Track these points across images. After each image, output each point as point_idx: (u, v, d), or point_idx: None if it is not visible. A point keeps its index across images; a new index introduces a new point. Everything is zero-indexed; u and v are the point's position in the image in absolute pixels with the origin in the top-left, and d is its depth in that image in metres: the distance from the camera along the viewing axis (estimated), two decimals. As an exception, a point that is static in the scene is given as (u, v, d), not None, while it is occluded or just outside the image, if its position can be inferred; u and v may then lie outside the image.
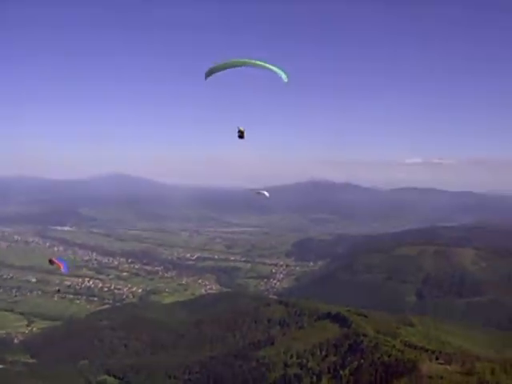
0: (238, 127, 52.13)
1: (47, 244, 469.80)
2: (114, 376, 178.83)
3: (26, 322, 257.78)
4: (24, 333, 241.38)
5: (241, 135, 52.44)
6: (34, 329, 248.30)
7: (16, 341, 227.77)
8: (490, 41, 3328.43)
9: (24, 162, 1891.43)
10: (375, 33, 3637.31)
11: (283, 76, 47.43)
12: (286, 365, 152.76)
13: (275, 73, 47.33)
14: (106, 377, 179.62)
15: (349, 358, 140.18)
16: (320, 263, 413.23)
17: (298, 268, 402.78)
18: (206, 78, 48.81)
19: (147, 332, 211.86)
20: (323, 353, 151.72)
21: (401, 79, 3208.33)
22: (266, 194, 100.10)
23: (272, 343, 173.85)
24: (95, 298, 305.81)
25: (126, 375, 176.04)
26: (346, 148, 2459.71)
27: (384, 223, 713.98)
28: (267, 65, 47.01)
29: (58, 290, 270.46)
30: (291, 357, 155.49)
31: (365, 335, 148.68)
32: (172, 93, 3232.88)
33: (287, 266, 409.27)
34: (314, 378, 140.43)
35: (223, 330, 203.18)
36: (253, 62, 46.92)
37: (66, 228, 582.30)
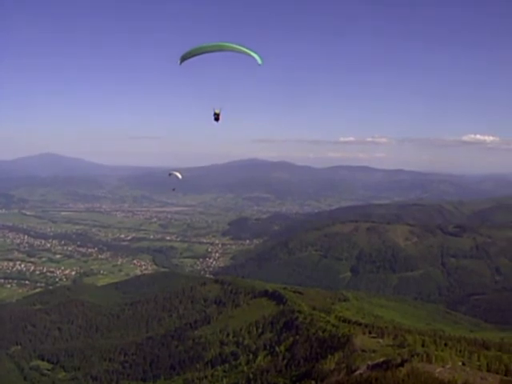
0: (214, 109, 51.52)
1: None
2: (48, 361, 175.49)
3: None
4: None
5: (216, 118, 51.93)
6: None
7: None
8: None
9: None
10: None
11: (257, 58, 47.41)
12: (222, 343, 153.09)
13: (250, 55, 47.33)
14: (38, 362, 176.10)
15: (284, 335, 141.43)
16: (256, 242, 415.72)
17: (234, 247, 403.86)
18: (180, 62, 48.10)
19: (81, 315, 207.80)
20: (259, 330, 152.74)
21: (335, 58, 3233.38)
22: (179, 175, 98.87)
23: (208, 322, 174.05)
24: (27, 282, 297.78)
25: (59, 359, 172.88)
26: (280, 127, 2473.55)
27: (318, 201, 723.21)
28: (242, 48, 47.05)
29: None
30: (227, 335, 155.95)
31: (300, 312, 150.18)
32: (106, 68, 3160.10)
33: (223, 244, 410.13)
34: (251, 355, 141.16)
35: (159, 310, 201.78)
36: (227, 45, 46.83)
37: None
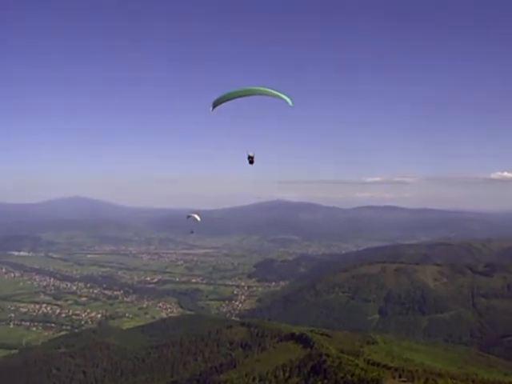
0: (248, 153, 52.14)
1: (3, 270, 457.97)
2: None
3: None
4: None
5: (251, 161, 52.38)
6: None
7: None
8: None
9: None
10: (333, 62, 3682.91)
11: (288, 100, 47.99)
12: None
13: (281, 98, 48.03)
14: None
15: (312, 379, 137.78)
16: (282, 284, 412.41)
17: (260, 289, 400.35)
18: (212, 109, 48.67)
19: (106, 358, 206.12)
20: (286, 374, 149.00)
21: (359, 97, 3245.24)
22: (197, 217, 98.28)
23: (234, 366, 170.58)
24: (52, 325, 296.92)
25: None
26: (305, 168, 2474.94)
27: (345, 242, 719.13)
28: (273, 91, 47.81)
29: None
30: (253, 379, 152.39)
31: (328, 355, 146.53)
32: (130, 116, 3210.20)
33: (249, 287, 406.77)
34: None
35: (184, 353, 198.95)
36: (258, 89, 47.56)
37: (23, 253, 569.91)
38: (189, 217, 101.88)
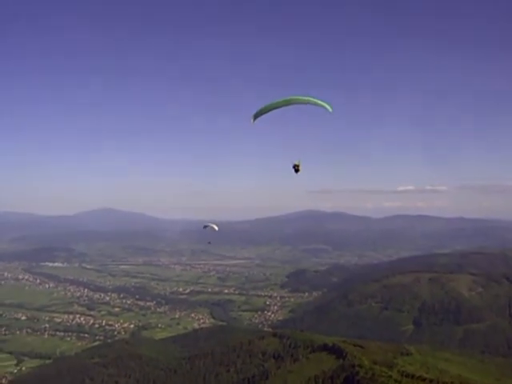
0: (293, 161, 52.16)
1: (38, 281, 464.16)
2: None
3: (15, 362, 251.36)
4: (13, 372, 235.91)
5: (297, 169, 52.38)
6: (23, 368, 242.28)
7: (4, 381, 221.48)
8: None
9: (13, 197, 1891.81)
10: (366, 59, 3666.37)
11: (328, 107, 48.24)
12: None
13: (320, 106, 48.28)
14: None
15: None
16: (315, 294, 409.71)
17: (292, 299, 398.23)
18: (253, 120, 49.14)
19: (139, 369, 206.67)
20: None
21: (392, 107, 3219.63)
22: (215, 227, 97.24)
23: (267, 377, 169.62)
24: (86, 335, 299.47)
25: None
26: (336, 177, 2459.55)
27: (378, 252, 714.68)
28: (313, 99, 47.92)
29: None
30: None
31: (361, 366, 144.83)
32: (163, 126, 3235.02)
33: (281, 297, 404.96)
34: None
35: (216, 365, 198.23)
36: (296, 98, 47.74)
37: (57, 264, 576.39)
38: (205, 227, 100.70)
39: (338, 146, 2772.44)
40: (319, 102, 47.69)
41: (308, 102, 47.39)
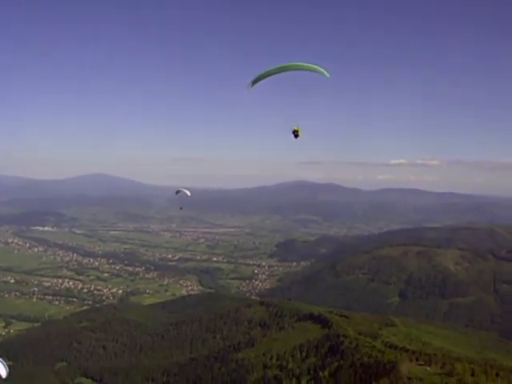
0: (292, 127, 51.59)
1: (27, 244, 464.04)
2: (92, 378, 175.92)
3: (3, 324, 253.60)
4: (1, 334, 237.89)
5: (296, 134, 51.87)
6: (12, 330, 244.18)
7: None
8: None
9: (5, 160, 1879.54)
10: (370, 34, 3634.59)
11: (325, 73, 48.11)
12: (265, 366, 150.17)
13: (317, 72, 48.17)
14: (83, 379, 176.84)
15: (328, 359, 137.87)
16: (303, 264, 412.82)
17: (280, 269, 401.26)
18: (251, 86, 49.04)
19: (126, 334, 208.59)
20: (303, 354, 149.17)
21: (389, 83, 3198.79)
22: (188, 192, 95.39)
23: (252, 345, 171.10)
24: (75, 299, 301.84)
25: (103, 377, 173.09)
26: (329, 149, 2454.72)
27: (367, 224, 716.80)
28: (309, 65, 47.66)
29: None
30: (271, 358, 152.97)
31: (345, 336, 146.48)
32: (154, 93, 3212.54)
33: (270, 266, 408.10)
34: (294, 379, 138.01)
35: (203, 331, 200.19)
36: (293, 64, 47.46)
37: (47, 228, 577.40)
38: (178, 192, 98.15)
39: (333, 118, 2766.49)
40: (316, 67, 47.53)
41: (305, 68, 47.21)
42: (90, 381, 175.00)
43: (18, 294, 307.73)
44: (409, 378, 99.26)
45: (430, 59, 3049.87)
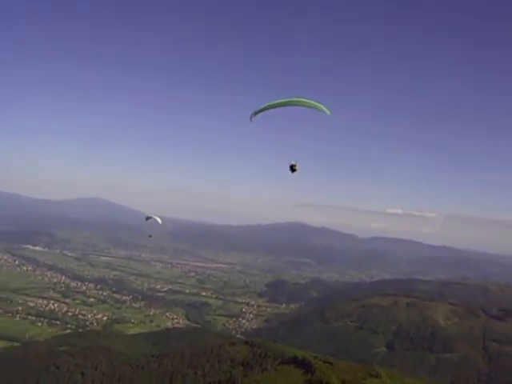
0: (290, 161, 52.09)
1: (16, 262, 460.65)
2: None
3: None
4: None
5: (294, 169, 52.28)
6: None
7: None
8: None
9: (4, 176, 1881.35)
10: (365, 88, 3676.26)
11: (326, 110, 48.31)
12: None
13: (319, 109, 48.29)
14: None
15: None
16: (292, 306, 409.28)
17: (269, 309, 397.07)
18: (251, 119, 49.55)
19: (106, 362, 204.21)
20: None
21: (389, 131, 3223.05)
22: (159, 220, 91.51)
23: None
24: (58, 322, 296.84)
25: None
26: (327, 193, 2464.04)
27: (360, 271, 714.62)
28: (311, 102, 47.75)
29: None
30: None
31: (328, 383, 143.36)
32: (155, 124, 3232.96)
33: (258, 306, 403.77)
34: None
35: (185, 366, 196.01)
36: (294, 100, 47.46)
37: (38, 248, 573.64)
38: (148, 218, 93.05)
39: (333, 161, 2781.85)
40: (318, 105, 47.03)
41: (307, 105, 46.97)
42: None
43: (0, 311, 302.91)
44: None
45: (433, 107, 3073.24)
